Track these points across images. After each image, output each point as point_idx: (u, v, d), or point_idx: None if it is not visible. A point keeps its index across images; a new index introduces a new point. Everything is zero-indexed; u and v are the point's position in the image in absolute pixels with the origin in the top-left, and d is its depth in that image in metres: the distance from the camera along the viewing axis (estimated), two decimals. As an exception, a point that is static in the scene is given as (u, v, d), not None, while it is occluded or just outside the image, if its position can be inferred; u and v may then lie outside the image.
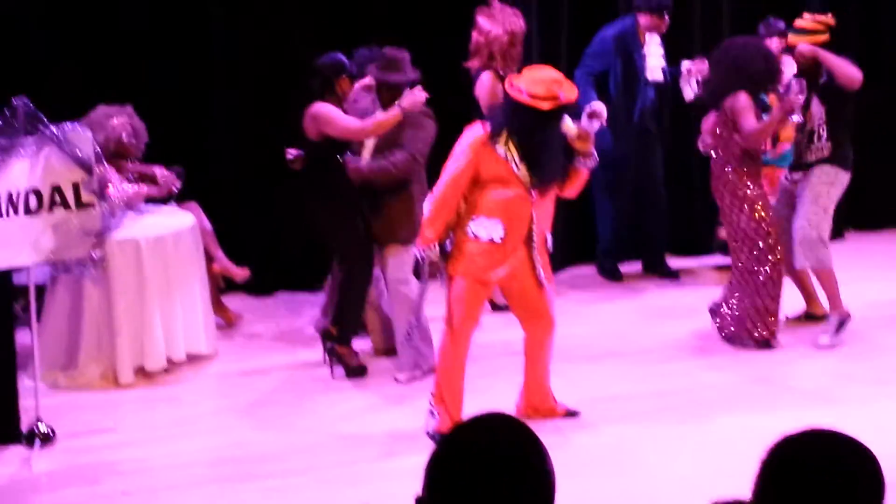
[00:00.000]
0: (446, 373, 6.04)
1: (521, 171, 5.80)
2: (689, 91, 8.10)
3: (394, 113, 6.69)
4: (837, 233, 9.80)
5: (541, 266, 5.97)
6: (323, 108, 6.85)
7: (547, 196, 5.96)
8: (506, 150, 5.80)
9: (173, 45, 8.38)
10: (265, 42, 8.48)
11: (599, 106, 6.10)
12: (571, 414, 6.29)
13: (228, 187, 8.48)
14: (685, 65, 8.13)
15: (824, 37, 7.28)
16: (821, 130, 7.33)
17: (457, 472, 2.13)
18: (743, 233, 7.25)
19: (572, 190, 6.13)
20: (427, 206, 5.91)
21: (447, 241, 5.89)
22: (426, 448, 5.81)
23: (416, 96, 6.67)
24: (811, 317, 7.70)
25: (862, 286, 8.26)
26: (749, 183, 7.21)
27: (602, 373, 6.98)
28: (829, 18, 7.39)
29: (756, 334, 7.30)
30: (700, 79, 7.94)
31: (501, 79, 7.70)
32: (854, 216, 10.10)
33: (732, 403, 6.50)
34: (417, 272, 6.22)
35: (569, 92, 5.79)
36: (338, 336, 7.00)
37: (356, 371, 7.00)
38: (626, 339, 7.58)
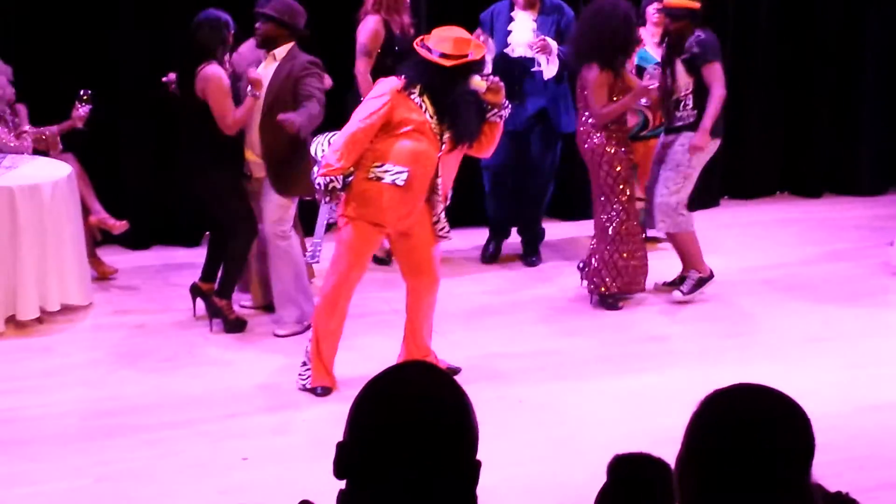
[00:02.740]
0: (325, 321, 5.96)
1: (434, 123, 5.79)
2: (546, 69, 7.88)
3: (248, 103, 6.59)
4: (713, 200, 10.01)
5: (440, 221, 5.95)
6: (214, 78, 6.66)
7: (454, 152, 5.93)
8: (421, 101, 5.78)
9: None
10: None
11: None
12: (452, 371, 6.31)
13: (107, 139, 8.31)
14: (529, 45, 7.89)
15: (696, 4, 7.25)
16: (687, 100, 7.35)
17: (382, 416, 2.12)
18: (600, 189, 7.35)
19: (489, 147, 6.07)
20: (337, 141, 5.78)
21: (350, 177, 5.79)
22: (303, 402, 5.87)
23: (253, 76, 6.60)
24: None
25: (733, 253, 8.50)
26: (610, 141, 7.28)
27: (480, 333, 7.03)
28: None
29: (603, 289, 7.41)
30: (551, 54, 7.77)
31: (387, 25, 7.71)
32: (730, 185, 10.32)
33: (604, 363, 6.57)
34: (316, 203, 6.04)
35: (476, 50, 5.79)
36: (218, 290, 6.93)
37: (235, 325, 6.94)
38: (506, 301, 7.64)
